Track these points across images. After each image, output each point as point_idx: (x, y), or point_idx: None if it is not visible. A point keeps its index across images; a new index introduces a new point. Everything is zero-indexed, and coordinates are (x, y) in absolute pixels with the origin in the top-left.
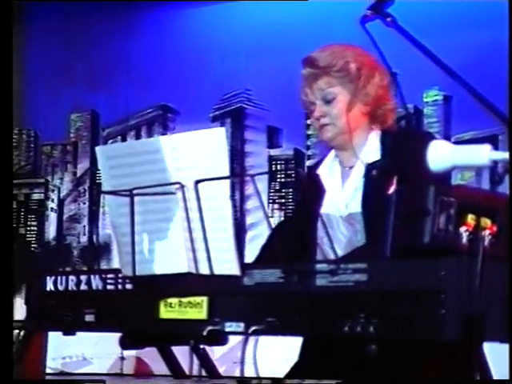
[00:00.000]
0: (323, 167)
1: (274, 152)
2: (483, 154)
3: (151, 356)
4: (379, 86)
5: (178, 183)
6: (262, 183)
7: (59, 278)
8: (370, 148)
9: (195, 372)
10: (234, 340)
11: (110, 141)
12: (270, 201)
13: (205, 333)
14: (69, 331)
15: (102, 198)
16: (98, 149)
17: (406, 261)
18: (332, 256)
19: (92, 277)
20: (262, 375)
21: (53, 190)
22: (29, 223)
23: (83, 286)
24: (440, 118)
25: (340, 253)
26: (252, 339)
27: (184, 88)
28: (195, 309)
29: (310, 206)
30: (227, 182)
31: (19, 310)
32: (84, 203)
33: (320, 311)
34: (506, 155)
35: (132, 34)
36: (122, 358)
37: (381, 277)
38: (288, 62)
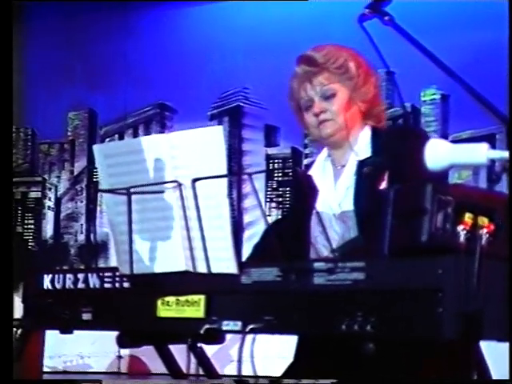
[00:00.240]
0: (315, 168)
1: (271, 150)
2: (481, 153)
3: (149, 354)
4: (375, 85)
5: (176, 181)
6: (260, 182)
7: (56, 276)
8: (363, 145)
9: (192, 371)
10: (230, 338)
11: (108, 139)
12: (268, 199)
13: (202, 331)
14: (66, 330)
15: (99, 197)
16: (95, 147)
17: (404, 259)
18: (325, 255)
19: (89, 275)
20: (259, 374)
21: (50, 189)
22: (26, 221)
23: (80, 285)
24: (438, 117)
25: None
26: (249, 338)
27: (182, 86)
28: (193, 307)
29: (304, 206)
30: (225, 181)
31: (16, 309)
32: (81, 201)
33: (318, 310)
34: (503, 154)
35: (130, 33)
36: (120, 357)
37: (378, 275)
38: (286, 61)
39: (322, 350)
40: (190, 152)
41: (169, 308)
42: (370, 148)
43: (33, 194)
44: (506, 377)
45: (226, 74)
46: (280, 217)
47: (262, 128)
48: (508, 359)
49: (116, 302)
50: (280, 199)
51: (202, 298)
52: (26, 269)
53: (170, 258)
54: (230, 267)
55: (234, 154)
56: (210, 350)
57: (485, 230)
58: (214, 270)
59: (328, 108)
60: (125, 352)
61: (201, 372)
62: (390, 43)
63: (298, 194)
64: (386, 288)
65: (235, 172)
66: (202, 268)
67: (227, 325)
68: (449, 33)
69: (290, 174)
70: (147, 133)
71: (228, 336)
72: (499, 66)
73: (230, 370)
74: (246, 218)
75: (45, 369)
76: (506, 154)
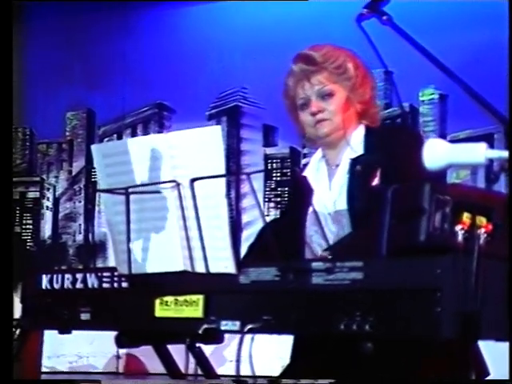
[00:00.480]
0: (310, 169)
1: (269, 150)
2: (479, 153)
3: (147, 354)
4: (372, 87)
5: (174, 181)
6: (258, 181)
7: (55, 276)
8: (356, 143)
9: (191, 371)
10: (229, 338)
11: (106, 139)
12: (266, 199)
13: (201, 331)
14: (64, 329)
15: (97, 197)
16: (93, 147)
17: (402, 259)
18: (320, 254)
19: (88, 275)
20: (257, 374)
21: (48, 189)
22: (24, 222)
23: (79, 285)
24: (436, 117)
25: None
26: (248, 337)
27: (180, 86)
28: (191, 307)
29: (299, 206)
30: (223, 181)
31: (15, 309)
32: (80, 201)
33: (316, 309)
34: (501, 153)
35: (128, 33)
36: (118, 357)
37: (377, 275)
38: (284, 61)
39: (320, 350)
40: (189, 152)
41: (167, 308)
42: (363, 146)
43: (31, 194)
44: (506, 377)
45: (225, 73)
46: (276, 216)
47: (261, 128)
48: (508, 359)
49: (114, 301)
50: (278, 199)
51: (200, 297)
52: (24, 269)
53: (168, 258)
54: (229, 267)
55: (233, 154)
56: (208, 349)
57: (483, 230)
58: (213, 270)
59: (326, 107)
60: (123, 352)
61: (199, 372)
62: (388, 43)
63: (293, 194)
64: (385, 288)
65: (233, 172)
66: (200, 268)
67: (226, 325)
68: (448, 32)
69: (289, 173)
70: (145, 133)
71: (226, 336)
72: (499, 66)
73: (229, 369)
74: (245, 218)
75: (43, 369)
76: (504, 153)
